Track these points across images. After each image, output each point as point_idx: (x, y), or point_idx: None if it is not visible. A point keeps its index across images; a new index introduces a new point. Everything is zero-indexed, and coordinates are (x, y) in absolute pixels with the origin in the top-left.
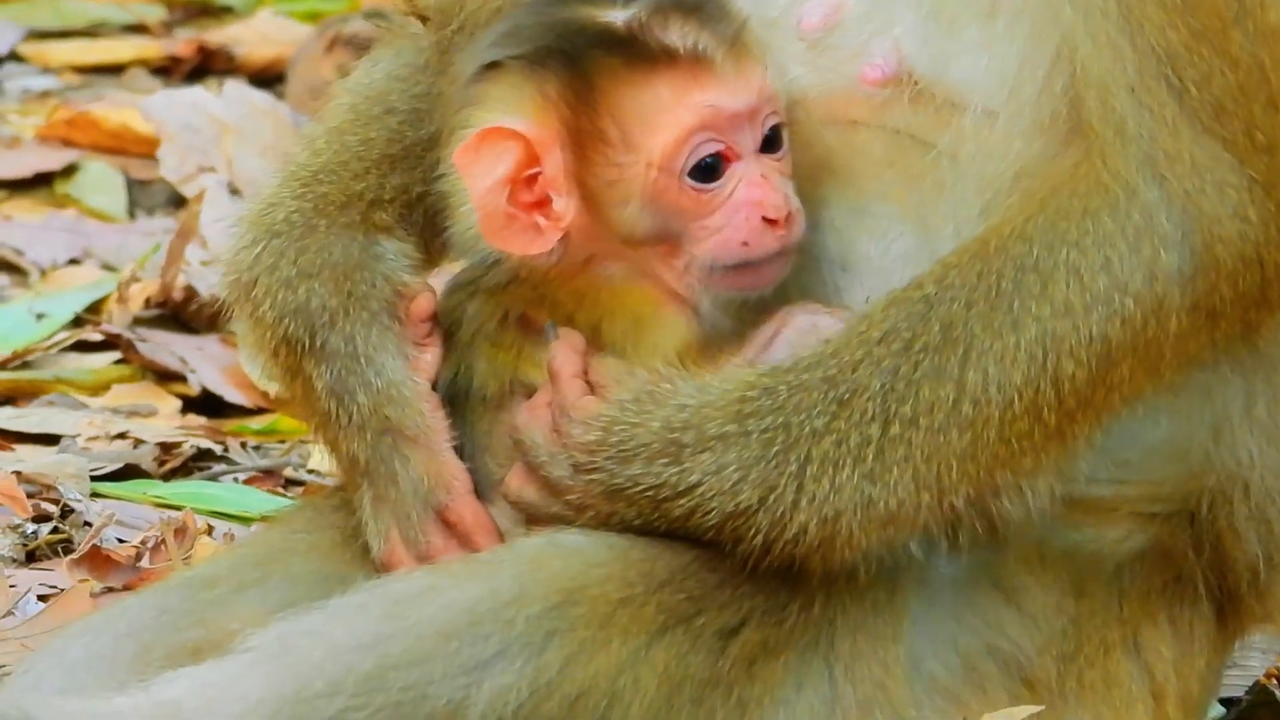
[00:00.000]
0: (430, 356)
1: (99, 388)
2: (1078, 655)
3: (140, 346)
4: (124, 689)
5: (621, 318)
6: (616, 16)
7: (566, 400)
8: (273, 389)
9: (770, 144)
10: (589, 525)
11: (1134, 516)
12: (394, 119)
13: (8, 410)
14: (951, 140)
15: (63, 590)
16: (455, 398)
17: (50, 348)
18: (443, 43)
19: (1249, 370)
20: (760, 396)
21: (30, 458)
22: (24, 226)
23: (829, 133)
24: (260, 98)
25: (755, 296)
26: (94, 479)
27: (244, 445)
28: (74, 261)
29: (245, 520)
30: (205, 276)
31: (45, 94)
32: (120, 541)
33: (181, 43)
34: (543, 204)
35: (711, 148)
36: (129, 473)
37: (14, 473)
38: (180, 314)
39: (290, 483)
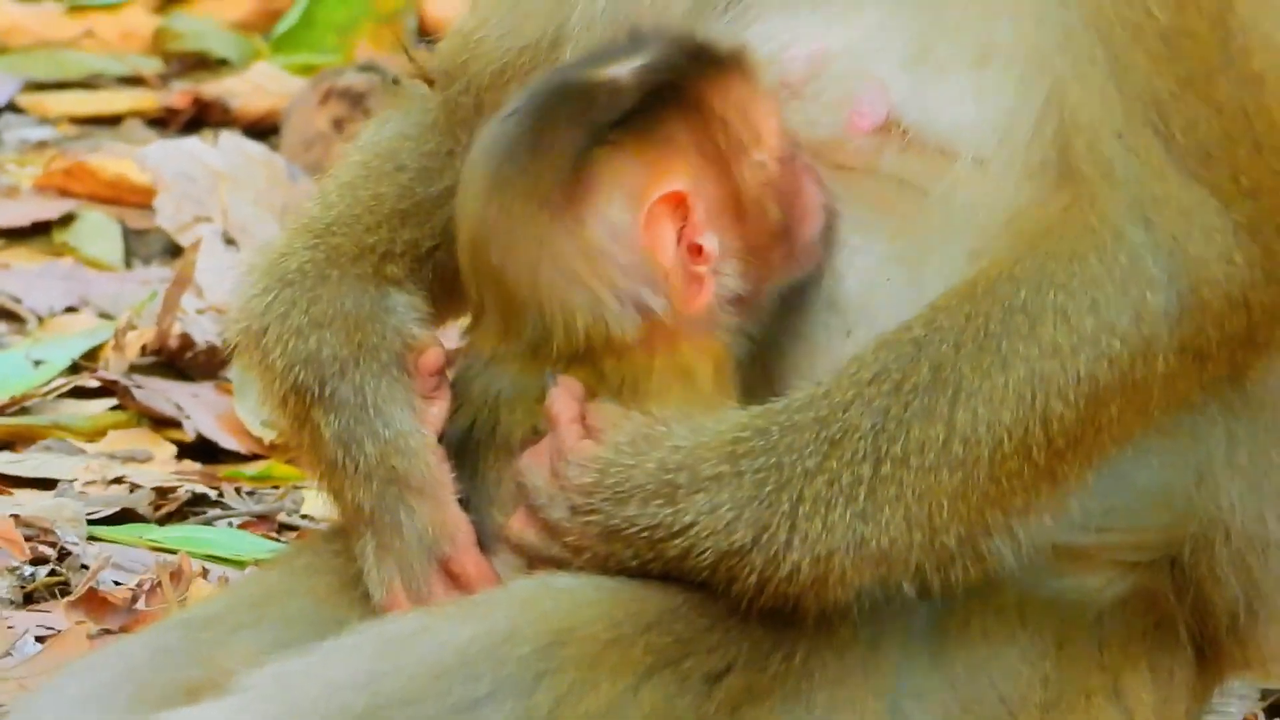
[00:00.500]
0: (438, 409)
1: (96, 433)
2: (1059, 702)
3: (136, 393)
4: None
5: (671, 376)
6: (700, 38)
7: (564, 444)
8: (267, 436)
9: None
10: (587, 567)
11: (1116, 564)
12: (404, 175)
13: (6, 455)
14: (944, 187)
15: (60, 631)
16: (463, 450)
17: (48, 394)
18: (449, 103)
19: (1235, 413)
20: (753, 437)
21: (28, 502)
22: (22, 274)
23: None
24: (255, 148)
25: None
26: (91, 523)
27: (238, 490)
28: (71, 309)
29: (239, 564)
30: (201, 324)
31: (43, 144)
32: (116, 584)
33: (177, 94)
34: (695, 252)
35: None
36: (125, 517)
37: (12, 516)
38: (176, 361)
39: (284, 528)
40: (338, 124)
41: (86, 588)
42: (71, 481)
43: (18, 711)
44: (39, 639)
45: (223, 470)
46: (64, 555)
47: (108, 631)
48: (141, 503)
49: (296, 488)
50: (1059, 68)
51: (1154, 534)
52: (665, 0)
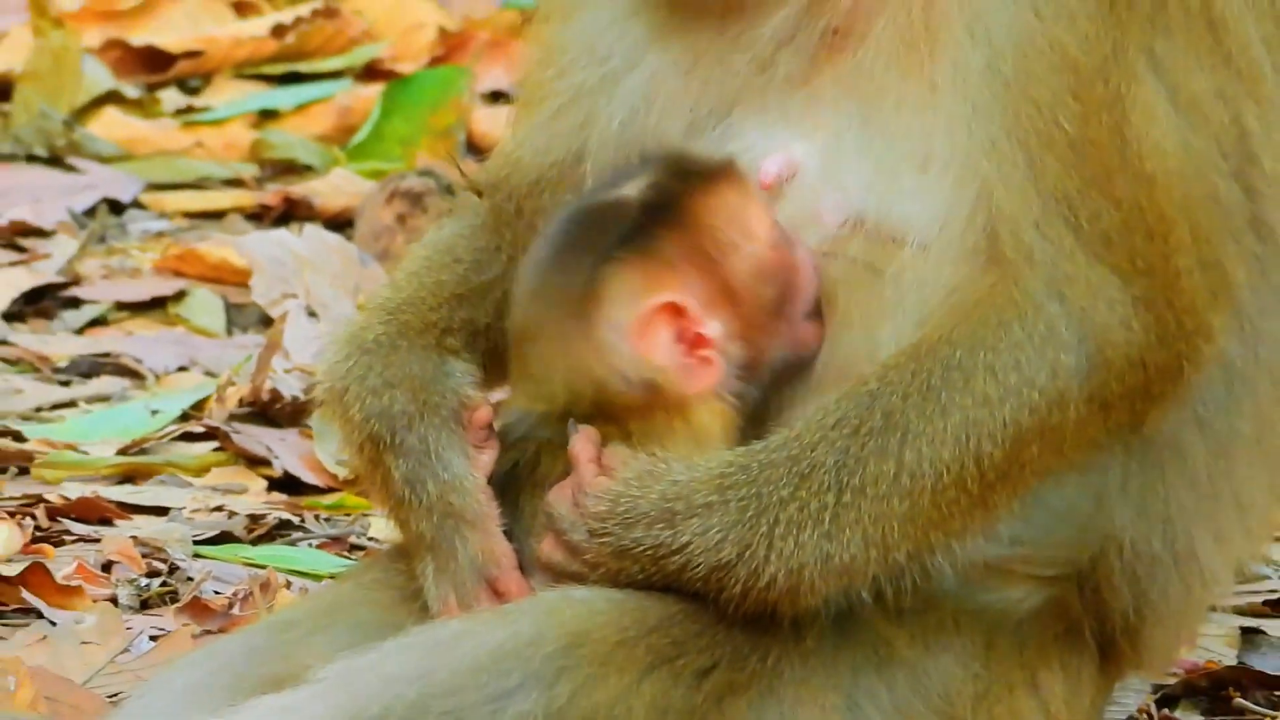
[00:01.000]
0: (487, 457)
1: (201, 470)
2: (988, 694)
3: (235, 437)
4: (216, 713)
5: (683, 433)
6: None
7: (584, 480)
8: (341, 473)
9: None
10: (601, 581)
11: (1033, 578)
12: (460, 266)
13: (128, 487)
14: (894, 268)
15: (169, 632)
16: (507, 489)
17: (162, 438)
18: (495, 208)
19: (1129, 450)
20: (737, 472)
21: (145, 526)
22: (142, 340)
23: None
24: (333, 239)
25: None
26: (196, 543)
27: (317, 517)
28: (182, 369)
29: (317, 577)
30: (288, 381)
31: (160, 234)
32: (216, 594)
33: (270, 194)
34: (698, 342)
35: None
36: (224, 538)
37: (132, 537)
38: (267, 412)
39: (354, 548)
40: (401, 219)
41: (191, 596)
42: (181, 509)
43: (134, 699)
44: (152, 638)
45: (304, 501)
46: (173, 569)
47: (208, 632)
48: (238, 527)
49: (365, 515)
50: (986, 171)
51: (1062, 550)
52: (665, 122)
